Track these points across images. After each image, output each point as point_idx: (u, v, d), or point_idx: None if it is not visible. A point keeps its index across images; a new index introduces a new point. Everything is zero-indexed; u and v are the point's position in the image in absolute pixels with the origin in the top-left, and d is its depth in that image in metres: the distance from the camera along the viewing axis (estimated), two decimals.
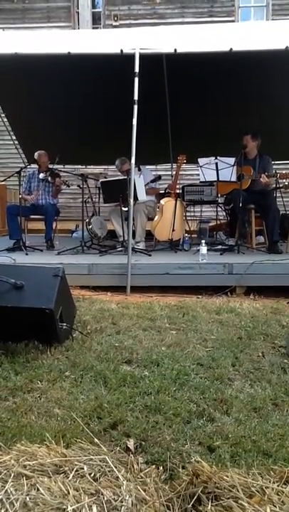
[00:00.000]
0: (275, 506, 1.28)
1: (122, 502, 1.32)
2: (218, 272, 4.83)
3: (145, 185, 6.14)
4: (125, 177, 5.61)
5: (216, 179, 5.77)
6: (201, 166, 5.82)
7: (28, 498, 1.32)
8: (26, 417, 2.07)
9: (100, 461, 1.52)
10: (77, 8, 11.12)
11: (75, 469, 1.47)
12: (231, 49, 4.76)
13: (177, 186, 6.33)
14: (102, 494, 1.34)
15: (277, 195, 6.25)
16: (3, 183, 7.58)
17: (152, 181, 6.41)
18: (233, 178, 5.57)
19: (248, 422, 2.04)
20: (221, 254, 5.44)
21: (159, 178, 6.47)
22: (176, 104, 6.81)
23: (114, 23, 10.80)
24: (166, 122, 7.28)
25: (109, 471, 1.47)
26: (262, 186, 5.69)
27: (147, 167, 7.06)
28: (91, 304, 4.09)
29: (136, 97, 4.69)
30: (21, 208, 5.95)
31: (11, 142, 7.82)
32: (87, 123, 7.07)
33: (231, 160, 5.54)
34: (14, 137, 7.76)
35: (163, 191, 6.88)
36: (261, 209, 5.82)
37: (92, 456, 1.55)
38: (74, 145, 7.29)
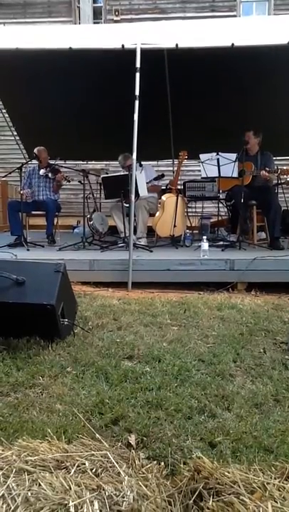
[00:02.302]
0: (277, 502, 1.28)
1: (124, 497, 1.32)
2: (220, 268, 4.83)
3: (148, 183, 6.15)
4: (127, 173, 5.60)
5: (217, 175, 5.76)
6: (202, 162, 5.81)
7: (29, 494, 1.33)
8: (28, 413, 2.08)
9: (102, 456, 1.52)
10: (78, 3, 11.06)
11: (76, 465, 1.47)
12: (233, 44, 4.74)
13: (178, 182, 6.32)
14: (103, 490, 1.34)
15: (279, 191, 6.24)
16: (4, 178, 7.58)
17: (155, 179, 6.42)
18: (235, 174, 5.56)
19: (249, 418, 2.04)
20: (222, 250, 5.43)
21: (162, 176, 6.47)
22: (178, 99, 6.77)
23: (115, 18, 10.75)
24: (168, 118, 7.25)
25: (110, 467, 1.47)
26: (263, 182, 5.68)
27: (149, 163, 7.06)
28: (92, 299, 4.09)
29: (137, 93, 4.67)
30: (22, 203, 5.94)
31: (12, 138, 7.81)
32: (88, 118, 7.05)
33: (233, 156, 5.53)
34: (15, 133, 7.75)
35: (164, 187, 6.87)
36: (263, 205, 5.81)
37: (93, 452, 1.55)
38: (75, 141, 7.28)
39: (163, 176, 6.46)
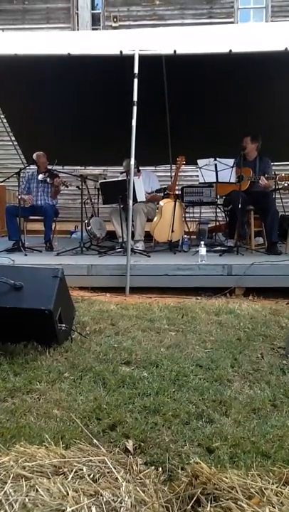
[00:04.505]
0: (274, 507, 1.28)
1: (121, 503, 1.32)
2: (218, 273, 4.83)
3: (150, 193, 6.16)
4: (124, 178, 5.62)
5: (215, 180, 5.77)
6: (200, 167, 5.82)
7: (27, 499, 1.32)
8: (25, 418, 2.07)
9: (99, 462, 1.52)
10: (77, 10, 11.13)
11: (74, 470, 1.47)
12: (231, 50, 4.76)
13: (176, 187, 6.34)
14: (101, 495, 1.34)
15: (276, 196, 6.26)
16: (2, 184, 7.57)
17: (158, 191, 6.43)
18: (232, 180, 5.58)
19: (247, 423, 2.04)
20: (220, 255, 5.44)
21: (164, 189, 6.50)
22: (176, 105, 6.81)
23: (113, 25, 10.81)
24: (166, 123, 7.28)
25: (108, 472, 1.47)
26: (261, 188, 5.70)
27: (147, 168, 7.07)
28: (90, 304, 4.09)
29: (135, 99, 4.69)
30: (20, 208, 5.95)
31: (10, 143, 7.82)
32: (86, 124, 7.07)
33: (230, 161, 5.55)
34: (13, 138, 7.77)
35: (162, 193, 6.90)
36: (260, 210, 5.82)
37: (91, 457, 1.55)
38: (73, 146, 7.29)
39: (165, 189, 6.49)
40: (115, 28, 10.67)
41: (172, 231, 5.88)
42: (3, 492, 1.35)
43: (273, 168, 6.18)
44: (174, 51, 4.85)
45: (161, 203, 6.14)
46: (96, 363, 2.70)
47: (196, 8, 10.77)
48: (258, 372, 2.62)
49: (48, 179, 6.30)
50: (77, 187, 6.16)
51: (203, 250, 4.99)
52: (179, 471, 1.65)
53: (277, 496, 1.34)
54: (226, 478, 1.41)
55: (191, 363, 2.72)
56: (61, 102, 6.60)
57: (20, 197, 6.05)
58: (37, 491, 1.36)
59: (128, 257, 4.77)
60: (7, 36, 6.38)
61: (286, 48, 4.70)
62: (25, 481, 1.40)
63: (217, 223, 7.16)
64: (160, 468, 1.66)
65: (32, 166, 6.62)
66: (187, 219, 6.85)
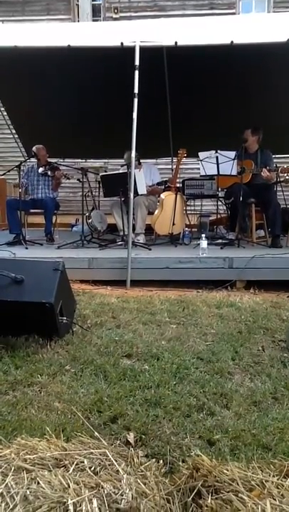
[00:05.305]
0: (275, 499, 1.28)
1: (122, 495, 1.32)
2: (219, 266, 4.82)
3: (151, 186, 6.14)
4: (125, 171, 5.60)
5: (216, 173, 5.75)
6: (201, 160, 5.80)
7: (28, 492, 1.32)
8: (26, 411, 2.08)
9: (100, 454, 1.52)
10: (77, 1, 11.04)
11: (75, 463, 1.47)
12: (232, 42, 4.73)
13: (177, 180, 6.32)
14: (102, 488, 1.34)
15: (278, 189, 6.24)
16: (2, 177, 7.56)
17: (159, 184, 6.42)
18: (234, 172, 5.55)
19: (247, 416, 2.04)
20: (221, 248, 5.43)
21: (165, 182, 6.48)
22: (177, 97, 6.77)
23: (114, 16, 10.73)
24: (167, 116, 7.23)
25: (109, 465, 1.47)
26: (263, 180, 5.68)
27: (148, 161, 7.05)
28: (91, 298, 4.09)
29: (136, 90, 4.66)
30: (21, 202, 5.94)
31: (11, 136, 7.79)
32: (87, 116, 7.04)
33: (232, 154, 5.52)
34: (14, 131, 7.74)
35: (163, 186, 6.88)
36: (262, 203, 5.80)
37: (92, 450, 1.55)
38: (74, 139, 7.26)
39: (166, 182, 6.47)
40: (116, 19, 10.59)
41: (173, 224, 5.87)
42: (4, 484, 1.35)
43: (275, 160, 6.15)
44: (175, 42, 4.82)
45: (162, 195, 6.12)
46: (97, 355, 2.70)
47: None
48: (258, 365, 2.62)
49: (49, 172, 6.29)
50: (78, 180, 6.14)
51: (204, 243, 4.98)
52: (180, 463, 1.66)
53: (278, 488, 1.34)
54: (227, 470, 1.41)
55: (192, 355, 2.72)
56: (61, 94, 6.57)
57: (20, 190, 6.04)
58: (38, 483, 1.36)
59: (129, 250, 4.76)
60: (7, 28, 6.33)
61: (288, 39, 4.66)
62: (26, 473, 1.41)
63: (218, 216, 7.14)
64: (161, 461, 1.66)
65: (32, 159, 6.60)
66: (188, 212, 6.84)
